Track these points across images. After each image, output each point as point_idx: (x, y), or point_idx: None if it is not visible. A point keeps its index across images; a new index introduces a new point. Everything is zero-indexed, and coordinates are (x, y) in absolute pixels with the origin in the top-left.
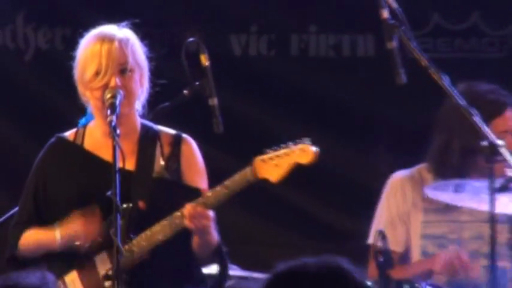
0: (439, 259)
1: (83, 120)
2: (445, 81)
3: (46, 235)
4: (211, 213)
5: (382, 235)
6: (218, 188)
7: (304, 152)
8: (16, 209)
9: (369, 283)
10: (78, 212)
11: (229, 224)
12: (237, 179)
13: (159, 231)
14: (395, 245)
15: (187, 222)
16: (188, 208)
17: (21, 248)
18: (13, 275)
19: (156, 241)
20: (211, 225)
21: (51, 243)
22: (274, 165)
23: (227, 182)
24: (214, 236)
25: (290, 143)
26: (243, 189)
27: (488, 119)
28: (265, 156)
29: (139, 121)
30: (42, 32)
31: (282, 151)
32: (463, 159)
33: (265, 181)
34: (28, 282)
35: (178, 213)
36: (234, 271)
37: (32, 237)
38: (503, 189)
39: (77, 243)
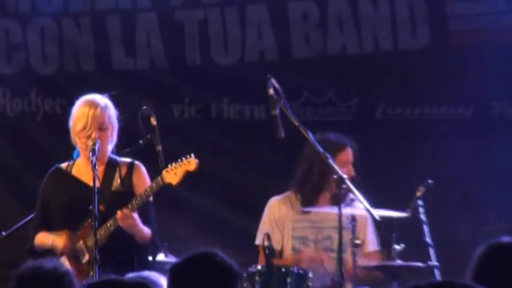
0: (304, 254)
1: (75, 154)
2: (310, 135)
3: (46, 240)
4: (135, 215)
5: (267, 236)
6: (141, 193)
7: (190, 162)
8: (31, 216)
9: (259, 267)
10: (60, 233)
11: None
12: (153, 185)
13: (110, 225)
14: (275, 244)
15: (120, 222)
16: (119, 212)
17: (35, 244)
18: (35, 261)
19: (110, 231)
20: (135, 223)
21: (48, 246)
22: (173, 173)
23: (147, 188)
24: (144, 230)
25: (182, 159)
26: (156, 191)
27: (334, 154)
28: (168, 168)
29: (108, 156)
30: (47, 101)
31: (177, 164)
32: (321, 177)
33: (169, 185)
34: (48, 265)
35: (116, 216)
36: (171, 259)
37: (39, 240)
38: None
39: (57, 250)
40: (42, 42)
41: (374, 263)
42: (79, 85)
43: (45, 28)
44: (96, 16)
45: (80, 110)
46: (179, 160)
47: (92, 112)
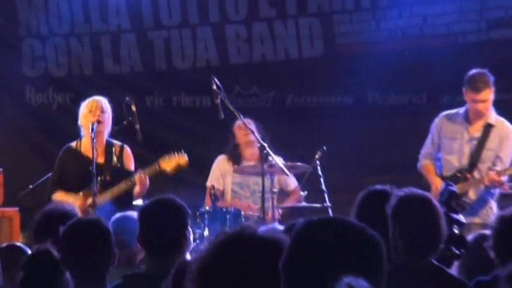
0: (237, 199)
1: (82, 134)
2: (240, 116)
3: (66, 198)
4: (147, 180)
5: (213, 187)
6: (147, 170)
7: (181, 158)
8: (48, 175)
9: (207, 208)
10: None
11: None
12: (151, 168)
13: (117, 189)
14: (220, 187)
15: (138, 183)
16: (138, 175)
17: (54, 198)
18: (53, 204)
19: (115, 194)
20: (145, 184)
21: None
22: (167, 163)
23: (148, 169)
24: (143, 192)
25: (176, 153)
26: (156, 174)
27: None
28: (164, 158)
29: (105, 139)
30: (60, 95)
31: (171, 156)
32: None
33: (164, 171)
34: (65, 207)
35: (133, 179)
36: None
37: (59, 196)
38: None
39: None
40: (56, 55)
41: (295, 199)
42: (82, 84)
43: (57, 45)
44: (93, 36)
45: (88, 103)
46: (173, 153)
47: (96, 103)
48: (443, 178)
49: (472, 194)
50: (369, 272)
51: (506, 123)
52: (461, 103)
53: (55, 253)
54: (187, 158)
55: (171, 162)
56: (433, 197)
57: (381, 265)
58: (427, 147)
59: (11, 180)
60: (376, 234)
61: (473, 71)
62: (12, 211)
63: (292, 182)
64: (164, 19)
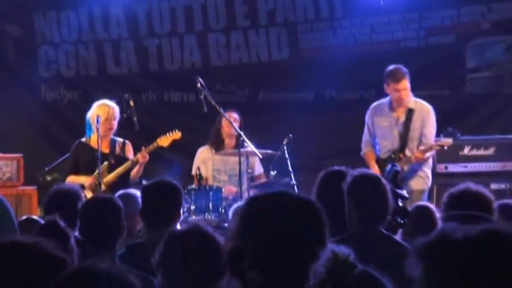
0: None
1: (89, 133)
2: (220, 109)
3: (78, 179)
4: (147, 156)
5: (198, 168)
6: (145, 149)
7: (176, 133)
8: (60, 159)
9: (194, 186)
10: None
11: None
12: (150, 147)
13: (120, 170)
14: (203, 174)
15: (140, 158)
16: (140, 153)
17: (67, 181)
18: (63, 184)
19: (118, 175)
20: (143, 162)
21: (79, 182)
22: (165, 140)
23: (148, 147)
24: (139, 173)
25: (171, 132)
26: (152, 151)
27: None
28: (161, 137)
29: (111, 137)
30: (70, 93)
31: (168, 135)
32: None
33: (161, 147)
34: (71, 187)
35: (135, 157)
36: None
37: (72, 179)
38: None
39: (85, 185)
40: (66, 58)
41: (262, 181)
42: (88, 83)
43: (67, 50)
44: (97, 43)
45: (105, 109)
46: (168, 133)
47: (112, 112)
48: (381, 160)
49: (406, 169)
50: (311, 233)
51: (425, 103)
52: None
53: (62, 224)
54: (180, 133)
55: (168, 139)
56: None
57: (322, 225)
58: (365, 136)
59: (30, 164)
60: (314, 201)
61: (391, 67)
62: (31, 189)
63: (259, 168)
64: (157, 29)
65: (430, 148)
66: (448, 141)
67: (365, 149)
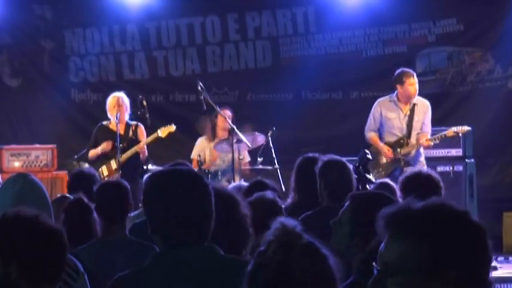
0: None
1: (111, 119)
2: (216, 107)
3: (96, 150)
4: (145, 149)
5: (199, 155)
6: (148, 138)
7: (171, 127)
8: (86, 150)
9: (195, 169)
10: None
11: None
12: (152, 137)
13: (129, 153)
14: (202, 159)
15: (139, 149)
16: (140, 144)
17: (89, 156)
18: (83, 168)
19: (130, 155)
20: (145, 154)
21: (98, 151)
22: (163, 131)
23: (151, 136)
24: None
25: (167, 125)
26: (154, 141)
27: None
28: (161, 129)
29: (126, 120)
30: (95, 95)
31: (165, 127)
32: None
33: (160, 138)
34: (88, 170)
35: (135, 148)
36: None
37: (92, 153)
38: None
39: (103, 149)
40: (91, 67)
41: (247, 167)
42: (109, 87)
43: (92, 60)
44: (116, 55)
45: (112, 99)
46: (165, 126)
47: (116, 100)
48: (392, 143)
49: (413, 153)
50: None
51: (424, 100)
52: (367, 98)
53: (85, 200)
54: (175, 127)
55: (165, 131)
56: (386, 158)
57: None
58: (370, 125)
59: (62, 153)
60: (201, 177)
61: (399, 70)
62: (63, 174)
63: (247, 157)
64: (164, 42)
65: (444, 135)
66: (465, 128)
67: (369, 133)
